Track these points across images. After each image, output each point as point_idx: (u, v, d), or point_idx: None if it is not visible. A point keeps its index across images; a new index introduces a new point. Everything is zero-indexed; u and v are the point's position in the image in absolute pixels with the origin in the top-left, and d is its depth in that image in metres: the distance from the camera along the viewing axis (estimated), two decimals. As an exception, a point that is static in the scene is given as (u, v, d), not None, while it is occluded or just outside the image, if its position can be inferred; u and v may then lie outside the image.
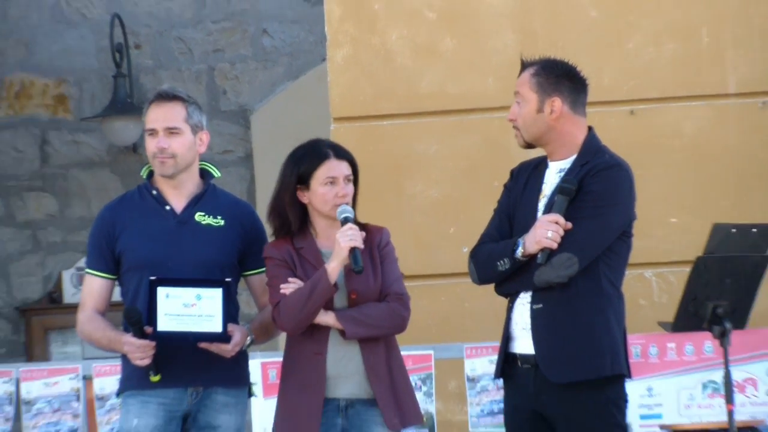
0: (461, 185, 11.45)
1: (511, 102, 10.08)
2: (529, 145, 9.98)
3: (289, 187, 10.04)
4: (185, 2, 16.78)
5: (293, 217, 9.97)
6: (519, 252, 9.65)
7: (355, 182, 10.12)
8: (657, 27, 13.17)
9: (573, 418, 9.75)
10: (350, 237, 9.67)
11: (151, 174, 10.40)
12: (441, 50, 13.30)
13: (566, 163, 9.87)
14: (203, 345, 9.89)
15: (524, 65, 10.07)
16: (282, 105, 16.26)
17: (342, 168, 9.97)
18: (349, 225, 9.76)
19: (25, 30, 16.88)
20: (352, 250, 9.67)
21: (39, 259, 16.62)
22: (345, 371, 9.83)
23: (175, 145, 10.20)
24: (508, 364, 9.91)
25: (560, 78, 9.90)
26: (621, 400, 9.98)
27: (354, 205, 10.01)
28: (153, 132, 10.21)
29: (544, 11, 13.00)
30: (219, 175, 10.61)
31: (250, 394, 10.47)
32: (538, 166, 9.98)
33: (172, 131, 10.23)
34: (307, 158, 10.06)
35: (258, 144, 16.17)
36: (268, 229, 10.30)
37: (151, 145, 10.17)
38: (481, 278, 9.96)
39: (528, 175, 10.00)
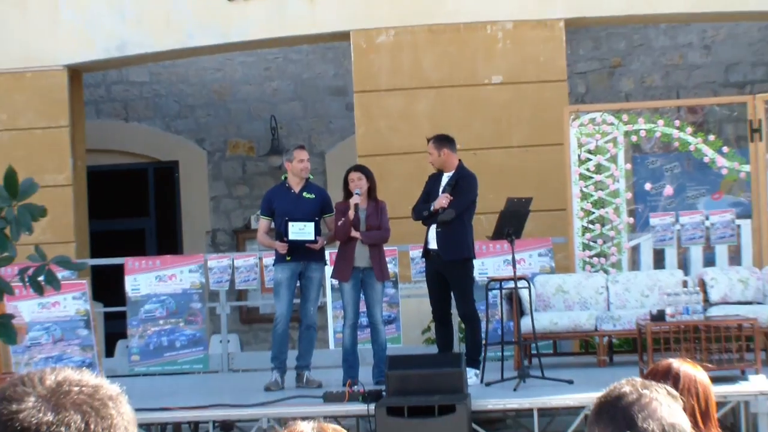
0: (408, 183, 11.36)
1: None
2: (438, 170, 10.10)
3: (344, 184, 10.15)
4: (298, 110, 16.62)
5: (345, 195, 10.02)
6: (432, 208, 9.82)
7: (373, 181, 10.14)
8: (487, 118, 13.02)
9: (453, 275, 9.89)
10: (354, 200, 9.82)
11: (285, 178, 10.48)
12: (401, 129, 12.95)
13: (450, 173, 10.00)
14: (307, 245, 10.06)
15: (428, 140, 10.19)
16: (338, 151, 16.07)
17: (357, 175, 10.07)
18: (355, 195, 9.90)
19: (237, 121, 16.66)
20: (356, 206, 9.88)
21: (242, 211, 16.30)
22: (362, 255, 9.85)
23: (308, 166, 10.41)
24: (427, 252, 10.03)
25: (444, 141, 10.06)
26: (472, 268, 10.12)
27: (373, 191, 10.10)
28: (303, 161, 10.23)
29: (445, 113, 12.73)
30: (312, 177, 10.71)
31: (325, 264, 10.47)
32: (440, 175, 10.07)
33: (307, 161, 10.39)
34: (347, 174, 10.18)
35: (328, 167, 16.05)
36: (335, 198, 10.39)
37: (302, 165, 10.18)
38: (416, 219, 10.10)
39: (435, 178, 10.10)
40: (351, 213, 9.95)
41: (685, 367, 3.52)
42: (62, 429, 1.65)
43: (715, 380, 8.87)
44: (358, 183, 10.04)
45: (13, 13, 13.92)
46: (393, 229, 10.32)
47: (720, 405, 8.67)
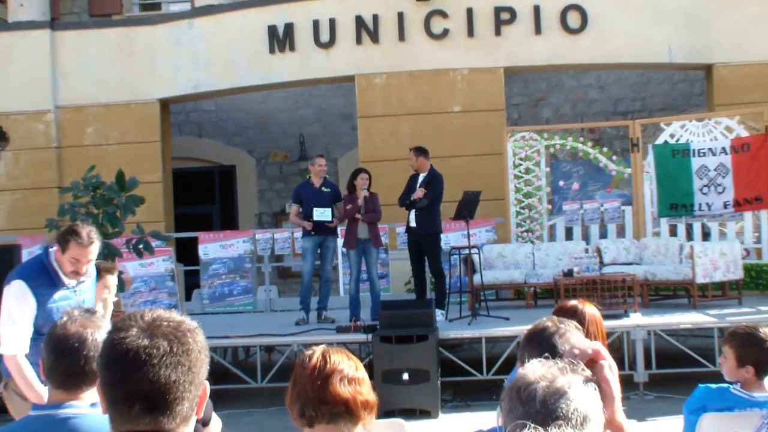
0: (395, 181, 11.19)
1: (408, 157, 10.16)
2: (415, 171, 9.94)
3: (350, 181, 9.96)
4: (319, 130, 16.56)
5: (349, 191, 9.88)
6: (412, 198, 9.70)
7: (371, 178, 9.90)
8: (450, 136, 12.87)
9: (426, 244, 9.75)
10: (364, 194, 9.64)
11: (309, 177, 10.25)
12: (390, 144, 12.91)
13: (424, 174, 9.82)
14: (326, 224, 9.93)
15: (411, 149, 10.04)
16: (346, 158, 15.95)
17: (366, 176, 9.78)
18: (365, 190, 9.75)
19: (276, 137, 16.45)
20: (364, 197, 9.75)
21: (279, 200, 16.14)
22: (363, 230, 9.67)
23: (325, 169, 10.25)
24: (408, 229, 9.87)
25: (420, 151, 9.88)
26: (440, 239, 10.00)
27: (370, 184, 9.83)
28: (321, 165, 10.04)
29: (421, 133, 12.63)
30: (328, 177, 10.55)
31: (337, 237, 10.29)
32: (417, 175, 9.88)
33: (325, 165, 10.25)
34: (353, 174, 10.00)
35: (339, 169, 15.98)
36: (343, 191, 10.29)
37: (321, 168, 9.97)
38: (400, 206, 9.91)
39: (414, 177, 9.93)
40: (360, 201, 9.72)
41: (586, 306, 3.51)
42: (154, 351, 1.67)
43: (607, 317, 8.86)
44: (366, 181, 9.84)
45: (123, 62, 13.98)
46: (384, 213, 10.21)
47: (609, 334, 8.74)
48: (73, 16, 16.30)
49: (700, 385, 3.88)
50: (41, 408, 2.52)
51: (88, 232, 4.46)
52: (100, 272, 5.51)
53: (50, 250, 4.52)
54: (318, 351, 2.46)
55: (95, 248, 4.47)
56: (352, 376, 2.40)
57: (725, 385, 3.81)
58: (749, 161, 10.86)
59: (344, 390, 2.37)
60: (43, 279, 4.44)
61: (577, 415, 1.54)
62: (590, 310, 3.41)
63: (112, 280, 5.67)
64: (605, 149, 12.34)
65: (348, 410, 2.36)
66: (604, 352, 1.82)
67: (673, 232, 11.77)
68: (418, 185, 9.87)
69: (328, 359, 2.42)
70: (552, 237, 12.12)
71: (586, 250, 11.04)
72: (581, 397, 1.57)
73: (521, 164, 11.95)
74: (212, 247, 12.31)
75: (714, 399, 3.76)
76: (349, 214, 9.81)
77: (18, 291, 4.37)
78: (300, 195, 10.17)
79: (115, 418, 1.69)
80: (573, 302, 3.47)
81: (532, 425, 1.49)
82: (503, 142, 11.99)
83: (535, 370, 1.62)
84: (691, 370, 8.61)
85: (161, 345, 1.69)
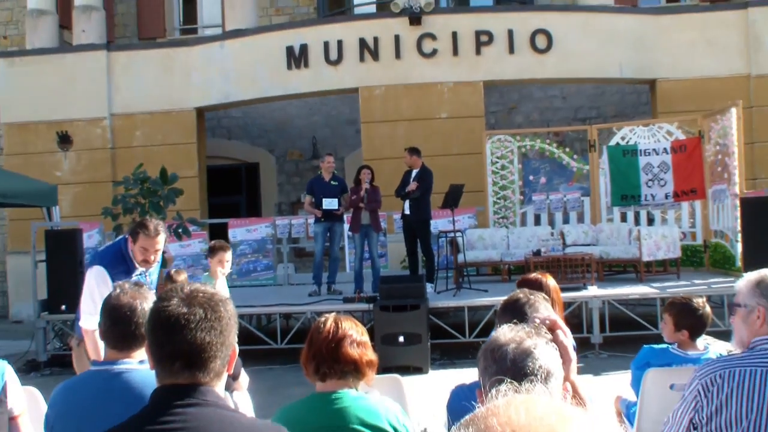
0: (392, 176, 11.12)
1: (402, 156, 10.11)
2: (409, 167, 9.87)
3: (355, 176, 9.86)
4: (328, 133, 16.51)
5: (355, 184, 9.85)
6: (406, 190, 9.63)
7: (373, 174, 9.82)
8: (438, 138, 12.82)
9: (419, 229, 9.65)
10: (366, 186, 9.57)
11: (320, 172, 10.16)
12: (388, 144, 12.88)
13: (417, 170, 9.72)
14: (333, 212, 9.90)
15: (405, 149, 9.95)
16: (351, 157, 15.86)
17: (368, 171, 9.71)
18: (368, 183, 9.67)
19: (292, 139, 16.38)
20: (366, 189, 9.68)
21: (296, 192, 16.14)
22: (365, 217, 9.61)
23: (334, 165, 10.13)
24: (403, 215, 9.77)
25: (414, 151, 9.81)
26: (430, 224, 9.86)
27: (372, 179, 9.72)
28: (330, 162, 9.94)
29: (414, 135, 12.49)
30: (336, 172, 10.50)
31: (344, 223, 10.24)
32: (411, 171, 9.80)
33: (333, 162, 10.15)
34: (358, 170, 9.91)
35: (346, 166, 15.92)
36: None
37: (330, 164, 9.84)
38: (397, 196, 9.80)
39: (408, 173, 9.84)
40: (363, 193, 9.63)
41: (547, 279, 3.51)
42: (191, 317, 1.69)
43: (568, 289, 8.73)
44: (369, 176, 9.77)
45: (165, 77, 13.97)
46: (383, 202, 10.14)
47: (570, 303, 8.75)
48: (125, 39, 16.27)
49: (645, 345, 3.91)
50: (100, 364, 2.55)
51: (155, 225, 4.40)
52: (216, 249, 5.63)
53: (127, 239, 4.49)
54: (331, 318, 2.48)
55: (162, 239, 4.41)
56: (359, 340, 2.43)
57: (665, 345, 3.84)
58: (686, 160, 10.92)
59: (354, 351, 2.40)
60: (121, 267, 4.44)
61: (542, 371, 1.56)
62: (551, 281, 3.42)
63: (227, 255, 5.71)
64: (567, 149, 12.36)
65: (356, 368, 2.41)
66: (560, 322, 1.83)
67: (624, 218, 11.81)
68: (411, 179, 9.81)
69: (340, 325, 2.44)
70: (523, 222, 12.12)
71: (552, 234, 11.05)
72: (545, 356, 1.59)
73: (497, 162, 11.96)
74: (239, 231, 12.31)
75: (656, 357, 3.80)
76: (354, 203, 9.78)
77: (99, 276, 4.38)
78: (312, 187, 10.11)
79: (160, 373, 1.71)
80: (535, 275, 3.47)
81: (509, 380, 1.50)
82: (482, 143, 12.00)
83: (506, 333, 1.64)
84: (638, 333, 8.62)
85: (197, 312, 1.70)
